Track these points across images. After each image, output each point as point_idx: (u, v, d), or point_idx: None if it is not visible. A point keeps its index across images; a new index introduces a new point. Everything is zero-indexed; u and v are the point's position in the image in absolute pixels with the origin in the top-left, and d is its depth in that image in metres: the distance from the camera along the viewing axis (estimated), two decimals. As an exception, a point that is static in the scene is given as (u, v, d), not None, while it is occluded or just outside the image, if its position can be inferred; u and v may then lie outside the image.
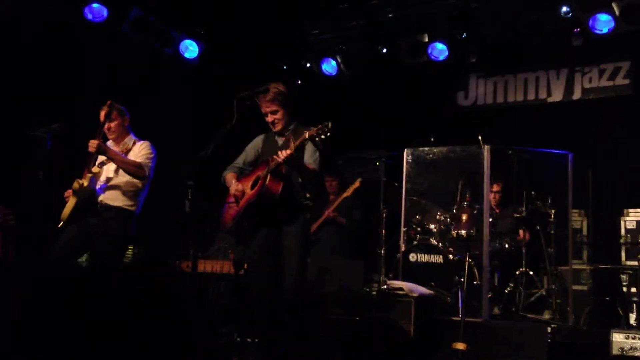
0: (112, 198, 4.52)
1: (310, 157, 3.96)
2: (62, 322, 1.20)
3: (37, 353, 1.15)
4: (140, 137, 4.79)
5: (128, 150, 4.56)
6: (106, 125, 4.56)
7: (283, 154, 3.73)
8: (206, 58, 7.42)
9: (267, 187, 3.85)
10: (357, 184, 6.31)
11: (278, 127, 4.08)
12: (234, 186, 4.07)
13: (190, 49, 7.23)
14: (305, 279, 4.04)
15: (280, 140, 4.12)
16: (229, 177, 4.17)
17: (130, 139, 4.69)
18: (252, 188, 4.01)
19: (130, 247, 4.64)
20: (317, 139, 3.70)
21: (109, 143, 4.68)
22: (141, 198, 4.64)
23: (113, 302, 1.17)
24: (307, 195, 4.04)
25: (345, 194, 6.42)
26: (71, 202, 4.45)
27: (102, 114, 4.57)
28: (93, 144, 4.34)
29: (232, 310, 4.89)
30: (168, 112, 7.10)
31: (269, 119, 4.08)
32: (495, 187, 6.06)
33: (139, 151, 4.59)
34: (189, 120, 7.46)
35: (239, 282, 4.91)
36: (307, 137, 3.71)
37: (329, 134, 3.67)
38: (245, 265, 4.80)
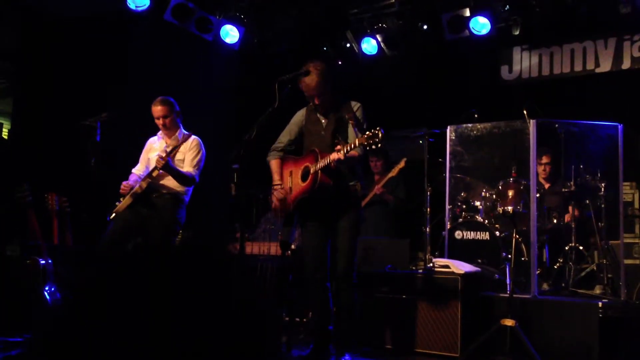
0: (164, 187, 4.68)
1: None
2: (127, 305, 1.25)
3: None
4: (186, 125, 4.91)
5: (177, 147, 4.67)
6: (161, 121, 4.71)
7: (333, 158, 3.77)
8: (247, 42, 7.49)
9: (320, 183, 3.91)
10: (402, 163, 6.30)
11: (317, 100, 4.07)
12: (276, 195, 4.12)
13: (231, 34, 7.30)
14: (357, 258, 4.11)
15: (323, 119, 4.13)
16: (273, 166, 4.23)
17: (180, 132, 4.81)
18: (302, 179, 4.07)
19: (180, 232, 4.78)
20: (367, 147, 3.69)
21: (160, 136, 4.82)
22: (190, 188, 4.78)
23: (168, 285, 1.22)
24: (355, 176, 4.08)
25: (390, 174, 6.42)
26: (127, 201, 4.61)
27: (157, 110, 4.69)
28: (160, 163, 4.48)
29: (280, 291, 4.98)
30: (212, 98, 7.21)
31: (308, 93, 4.06)
32: (545, 159, 5.94)
33: (189, 151, 4.71)
34: (233, 105, 7.57)
35: (286, 263, 4.99)
36: (357, 144, 3.72)
37: (380, 144, 3.63)
38: (293, 246, 4.89)
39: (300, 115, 4.27)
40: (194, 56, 7.30)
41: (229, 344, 1.29)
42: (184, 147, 4.70)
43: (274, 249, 5.34)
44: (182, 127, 4.86)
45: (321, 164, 3.89)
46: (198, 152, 4.74)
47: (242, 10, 7.36)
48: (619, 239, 5.09)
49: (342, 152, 3.76)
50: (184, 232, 4.76)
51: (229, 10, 7.30)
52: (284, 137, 4.29)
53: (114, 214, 4.61)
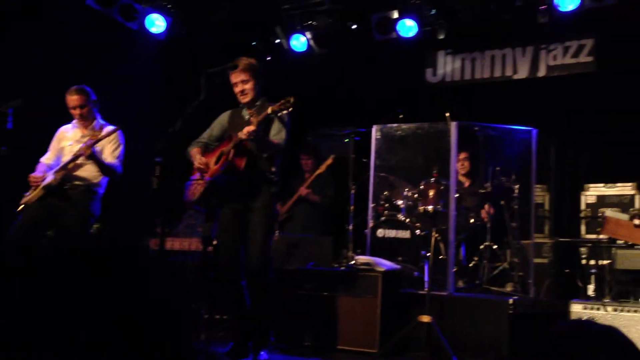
0: (78, 178, 4.51)
1: (276, 133, 3.99)
2: (30, 303, 1.20)
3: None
4: (108, 116, 4.76)
5: (103, 137, 4.52)
6: (77, 111, 4.54)
7: (246, 130, 3.76)
8: (174, 33, 7.33)
9: (231, 162, 3.87)
10: (330, 160, 6.35)
11: (247, 98, 4.06)
12: (197, 159, 4.07)
13: (156, 23, 7.12)
14: (271, 254, 4.09)
15: (247, 115, 4.12)
16: (194, 152, 4.17)
17: (97, 122, 4.65)
18: (216, 163, 4.02)
19: (95, 225, 4.63)
20: (280, 114, 3.74)
21: (75, 124, 4.65)
22: (105, 180, 4.63)
23: (79, 281, 1.17)
24: (272, 169, 4.07)
25: (318, 171, 6.47)
26: (38, 193, 4.41)
27: (72, 99, 4.52)
28: (87, 151, 4.31)
29: (201, 287, 4.92)
30: (135, 89, 7.01)
31: (239, 88, 4.05)
32: (462, 155, 6.12)
33: (109, 142, 4.57)
34: (158, 97, 7.39)
35: (207, 259, 4.94)
36: (269, 112, 3.74)
37: (291, 108, 3.73)
38: (215, 242, 4.84)
39: (225, 116, 4.26)
40: (117, 44, 7.06)
41: (140, 343, 1.26)
42: (104, 139, 4.56)
43: (195, 244, 5.27)
44: (99, 117, 4.70)
45: (235, 140, 3.86)
46: (118, 144, 4.61)
47: (169, 0, 7.19)
48: (530, 238, 5.34)
49: (254, 121, 3.76)
50: (98, 225, 4.62)
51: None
52: (206, 134, 4.27)
53: (22, 206, 4.40)
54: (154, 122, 6.64)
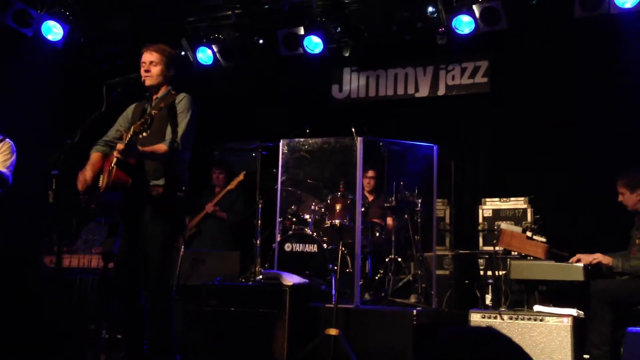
0: None
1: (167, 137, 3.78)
2: None
3: None
4: (1, 126, 4.51)
5: None
6: None
7: (118, 148, 3.56)
8: (72, 42, 7.02)
9: (114, 182, 3.64)
10: (241, 177, 6.29)
11: (149, 81, 3.86)
12: (80, 181, 3.82)
13: (53, 30, 6.79)
14: (170, 269, 3.90)
15: (148, 107, 3.89)
16: (91, 158, 3.93)
17: None
18: (108, 175, 3.79)
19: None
20: (139, 134, 3.55)
21: None
22: None
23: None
24: (172, 177, 3.82)
25: (228, 187, 6.41)
26: None
27: None
28: None
29: (101, 306, 4.69)
30: (30, 97, 6.64)
31: (145, 67, 3.86)
32: (370, 173, 6.31)
33: (0, 153, 4.33)
34: (56, 106, 7.03)
35: (107, 276, 4.72)
36: (137, 129, 3.50)
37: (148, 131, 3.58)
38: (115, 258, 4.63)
39: (129, 110, 4.04)
40: (9, 51, 6.66)
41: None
42: None
43: (95, 261, 5.03)
44: None
45: (114, 156, 3.65)
46: (10, 154, 4.36)
47: (67, 7, 6.88)
48: (432, 251, 5.52)
49: (123, 141, 3.58)
50: None
51: (52, 5, 6.79)
52: (111, 131, 4.02)
53: None
54: (51, 132, 6.31)
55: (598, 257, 4.58)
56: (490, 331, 1.38)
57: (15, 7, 6.43)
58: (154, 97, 3.95)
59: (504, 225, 5.22)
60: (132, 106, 4.07)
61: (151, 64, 3.88)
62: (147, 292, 3.77)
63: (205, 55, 7.28)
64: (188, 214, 5.88)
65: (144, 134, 3.54)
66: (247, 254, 5.82)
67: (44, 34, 6.72)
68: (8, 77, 6.44)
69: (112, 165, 3.68)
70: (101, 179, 3.87)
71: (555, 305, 4.58)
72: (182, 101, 3.85)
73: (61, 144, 3.68)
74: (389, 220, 6.13)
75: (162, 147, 3.71)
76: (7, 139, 4.45)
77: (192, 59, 7.33)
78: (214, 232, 6.44)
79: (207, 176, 6.77)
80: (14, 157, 4.40)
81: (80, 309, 4.73)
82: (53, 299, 3.96)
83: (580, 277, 4.56)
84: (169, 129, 3.78)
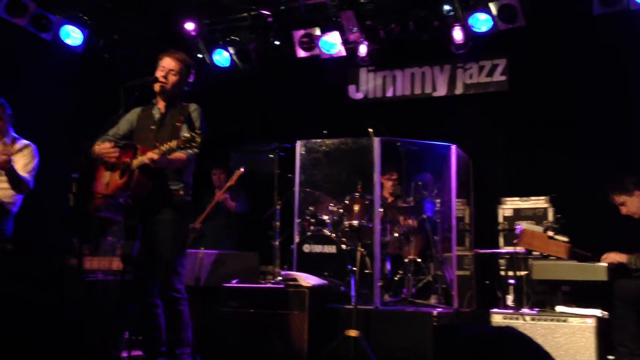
0: None
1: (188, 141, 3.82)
2: None
3: None
4: (21, 130, 4.56)
5: (19, 150, 4.33)
6: None
7: (149, 157, 3.61)
8: (91, 45, 7.07)
9: (137, 182, 3.70)
10: (240, 171, 6.15)
11: (165, 87, 3.88)
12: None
13: (72, 35, 6.85)
14: (182, 269, 3.90)
15: (157, 114, 3.94)
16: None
17: (9, 137, 4.46)
18: (121, 175, 3.83)
19: (7, 246, 4.37)
20: (183, 148, 3.62)
21: None
22: (20, 197, 4.42)
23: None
24: (182, 181, 3.89)
25: (229, 183, 6.31)
26: None
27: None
28: (6, 165, 4.10)
29: (122, 307, 4.72)
30: (51, 101, 6.70)
31: (163, 72, 3.88)
32: (394, 176, 6.23)
33: (22, 157, 4.38)
34: (75, 110, 7.09)
35: (127, 278, 4.74)
36: (174, 146, 3.58)
37: (196, 149, 3.69)
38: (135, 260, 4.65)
39: (134, 113, 4.03)
40: (30, 56, 6.73)
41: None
42: (18, 154, 4.36)
43: (116, 263, 5.05)
44: (11, 130, 4.48)
45: (139, 161, 3.69)
46: (32, 158, 4.41)
47: (85, 12, 6.94)
48: (452, 251, 5.48)
49: (157, 151, 3.62)
50: (10, 245, 4.36)
51: (71, 9, 6.85)
52: (112, 130, 3.99)
53: None
54: (71, 136, 6.36)
55: (622, 258, 4.51)
56: (511, 331, 1.36)
57: (34, 12, 6.48)
58: (160, 104, 3.96)
59: (524, 224, 5.16)
60: (137, 111, 4.04)
61: (170, 72, 3.90)
62: (164, 294, 3.79)
63: (222, 58, 7.31)
64: (192, 219, 5.87)
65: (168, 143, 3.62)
66: (261, 255, 5.80)
67: (62, 39, 6.78)
68: (30, 82, 6.50)
69: (133, 168, 3.70)
70: (101, 179, 3.90)
71: (578, 306, 4.52)
72: (195, 111, 3.93)
73: (81, 147, 3.71)
74: (408, 221, 6.08)
75: (182, 156, 3.78)
76: (31, 144, 4.50)
77: (209, 61, 7.35)
78: (218, 233, 6.40)
79: (206, 178, 6.68)
80: (35, 161, 4.45)
81: (102, 309, 4.76)
82: (76, 299, 4.00)
83: (603, 277, 4.50)
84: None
